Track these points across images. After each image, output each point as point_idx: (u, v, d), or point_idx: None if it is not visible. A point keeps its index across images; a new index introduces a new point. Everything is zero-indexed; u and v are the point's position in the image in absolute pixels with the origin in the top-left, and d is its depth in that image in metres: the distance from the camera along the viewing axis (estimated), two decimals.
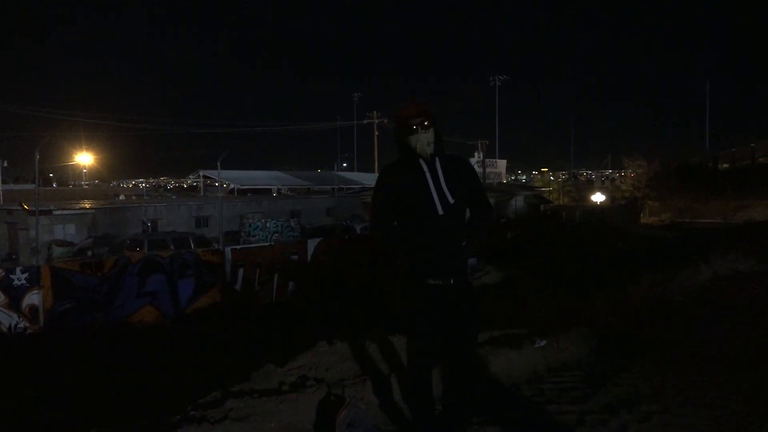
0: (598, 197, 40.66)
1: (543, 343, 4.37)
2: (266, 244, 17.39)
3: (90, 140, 54.01)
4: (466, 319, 2.96)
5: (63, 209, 24.22)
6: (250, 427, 3.12)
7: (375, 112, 52.64)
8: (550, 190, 51.00)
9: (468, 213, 3.07)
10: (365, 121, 51.43)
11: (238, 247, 16.32)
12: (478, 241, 3.06)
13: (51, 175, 65.57)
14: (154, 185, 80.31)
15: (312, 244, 16.47)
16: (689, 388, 3.69)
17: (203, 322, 10.79)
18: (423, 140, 2.96)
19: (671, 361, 4.23)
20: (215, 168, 35.40)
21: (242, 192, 43.87)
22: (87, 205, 26.55)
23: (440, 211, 2.91)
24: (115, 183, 77.00)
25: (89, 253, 20.34)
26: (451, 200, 2.93)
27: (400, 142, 3.02)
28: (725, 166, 42.93)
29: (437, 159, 2.98)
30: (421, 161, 2.97)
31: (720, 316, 5.62)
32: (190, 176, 62.07)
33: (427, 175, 2.95)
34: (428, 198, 2.92)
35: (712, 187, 34.38)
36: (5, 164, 47.17)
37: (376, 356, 3.81)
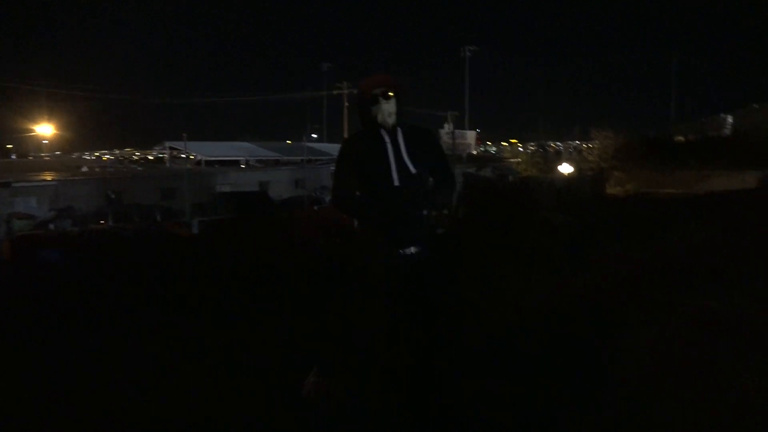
0: (565, 168, 41.14)
1: None
2: (234, 216, 17.22)
3: (51, 111, 52.36)
4: (431, 289, 2.96)
5: (23, 181, 23.58)
6: None
7: (345, 82, 52.03)
8: (518, 162, 51.41)
9: (432, 183, 3.05)
10: (335, 92, 50.84)
11: (205, 218, 16.13)
12: (442, 213, 3.05)
13: (10, 146, 63.63)
14: (119, 157, 78.57)
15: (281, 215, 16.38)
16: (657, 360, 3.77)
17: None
18: (385, 110, 2.94)
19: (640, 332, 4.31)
20: (182, 139, 34.88)
21: (210, 163, 43.26)
22: (48, 177, 25.88)
23: (399, 182, 2.89)
24: (77, 155, 75.03)
25: (51, 226, 19.89)
26: (412, 170, 2.91)
27: (363, 112, 3.00)
28: (682, 138, 43.86)
29: (399, 129, 2.96)
30: (383, 132, 2.94)
31: (688, 287, 5.74)
32: (156, 148, 60.85)
33: (388, 145, 2.94)
34: (388, 168, 2.90)
35: (675, 159, 35.09)
36: None
37: (344, 325, 3.81)
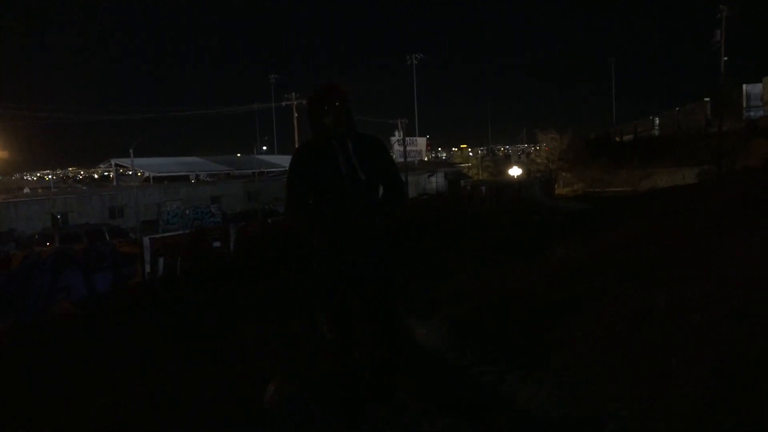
0: (515, 171, 42.05)
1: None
2: (186, 231, 16.92)
3: None
4: (383, 294, 3.04)
5: None
6: None
7: (293, 93, 51.83)
8: (469, 166, 52.21)
9: (381, 192, 3.13)
10: (284, 103, 50.52)
11: (157, 236, 15.81)
12: (390, 219, 3.13)
13: None
14: (62, 176, 76.06)
15: (234, 229, 16.19)
16: (595, 343, 3.95)
17: (122, 315, 10.43)
18: (335, 120, 2.99)
19: (581, 320, 4.49)
20: (128, 156, 34.02)
21: (158, 180, 42.35)
22: None
23: (350, 191, 2.95)
24: (17, 176, 72.34)
25: None
26: (362, 178, 2.98)
27: (312, 122, 3.05)
28: (622, 138, 45.51)
29: (348, 138, 3.03)
30: (333, 141, 3.00)
31: (630, 276, 5.99)
32: (101, 165, 59.21)
33: (339, 153, 2.99)
34: (338, 177, 2.96)
35: (619, 158, 36.26)
36: None
37: (306, 333, 3.86)
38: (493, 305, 5.17)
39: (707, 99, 33.95)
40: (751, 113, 32.45)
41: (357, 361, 3.08)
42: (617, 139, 45.72)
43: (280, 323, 4.62)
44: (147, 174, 45.00)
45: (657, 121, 42.86)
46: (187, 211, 22.97)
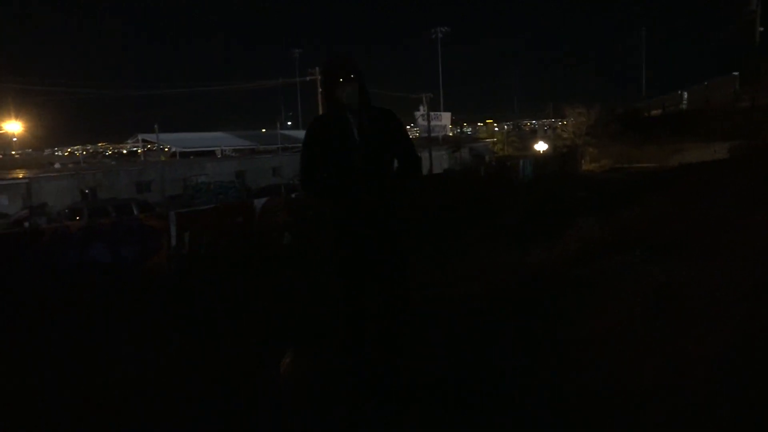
0: (540, 146, 41.51)
1: None
2: (211, 206, 17.13)
3: (19, 107, 51.11)
4: (393, 268, 3.04)
5: None
6: None
7: (317, 68, 51.63)
8: (494, 141, 51.65)
9: (396, 165, 3.13)
10: (308, 78, 50.39)
11: (182, 210, 16.01)
12: (405, 193, 3.13)
13: None
14: (92, 152, 77.24)
15: (259, 204, 16.32)
16: (610, 319, 3.93)
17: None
18: (350, 92, 2.99)
19: (598, 295, 4.47)
20: (154, 131, 34.42)
21: (185, 155, 42.80)
22: (20, 175, 25.45)
23: (363, 163, 2.96)
24: (49, 151, 73.65)
25: (26, 224, 19.62)
26: (377, 152, 2.98)
27: (327, 95, 3.05)
28: (652, 113, 44.62)
29: (362, 111, 3.03)
30: (348, 113, 3.01)
31: (649, 253, 5.92)
32: (129, 141, 59.96)
33: (353, 127, 3.00)
34: (352, 150, 2.96)
35: (648, 133, 35.52)
36: None
37: (325, 309, 3.89)
38: (510, 283, 5.16)
39: (736, 73, 33.24)
40: None
41: (366, 346, 3.07)
42: (645, 114, 44.82)
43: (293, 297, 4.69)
44: (174, 149, 45.47)
45: (685, 96, 41.95)
46: (212, 186, 23.21)
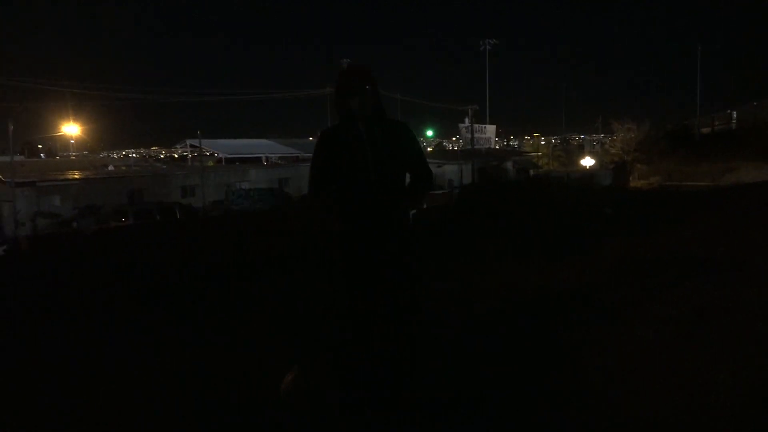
0: (587, 161, 40.75)
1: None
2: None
3: (78, 110, 53.09)
4: (401, 286, 2.94)
5: (47, 180, 24.02)
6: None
7: None
8: (539, 155, 50.92)
9: (408, 179, 3.04)
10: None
11: (220, 214, 16.27)
12: (415, 208, 3.04)
13: (39, 146, 64.78)
14: (144, 155, 79.66)
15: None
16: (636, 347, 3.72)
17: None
18: (362, 103, 2.92)
19: (624, 321, 4.26)
20: (203, 137, 35.27)
21: (230, 161, 43.63)
22: (73, 176, 26.35)
23: (375, 176, 2.87)
24: (105, 154, 76.32)
25: (74, 224, 20.27)
26: (388, 164, 2.89)
27: (340, 105, 2.98)
28: (706, 130, 43.81)
29: (375, 122, 2.94)
30: (360, 125, 2.93)
31: (688, 275, 5.66)
32: (178, 145, 61.59)
33: (365, 138, 2.91)
34: (364, 162, 2.88)
35: (699, 151, 34.53)
36: None
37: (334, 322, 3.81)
38: (531, 303, 4.98)
39: None
40: None
41: (371, 364, 2.99)
42: (696, 131, 43.69)
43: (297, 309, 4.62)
44: (220, 155, 46.41)
45: (735, 115, 41.26)
46: (251, 192, 23.55)
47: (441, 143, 79.09)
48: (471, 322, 4.40)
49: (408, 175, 3.07)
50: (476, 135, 41.95)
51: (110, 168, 40.12)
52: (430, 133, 67.78)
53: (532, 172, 37.31)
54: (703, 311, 4.37)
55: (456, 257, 6.88)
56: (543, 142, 66.91)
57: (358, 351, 2.93)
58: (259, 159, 46.93)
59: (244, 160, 44.05)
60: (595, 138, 65.23)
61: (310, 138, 59.90)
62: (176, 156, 68.68)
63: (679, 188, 28.74)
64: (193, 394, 3.36)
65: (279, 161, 46.79)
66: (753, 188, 16.82)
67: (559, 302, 4.84)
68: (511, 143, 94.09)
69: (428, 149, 60.15)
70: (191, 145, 49.67)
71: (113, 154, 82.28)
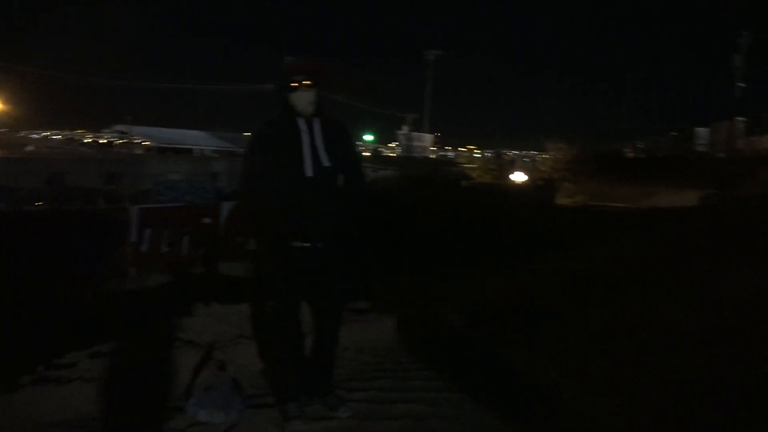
0: (518, 176, 41.79)
1: None
2: (177, 205, 16.77)
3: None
4: (331, 284, 2.92)
5: None
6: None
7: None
8: (473, 167, 51.86)
9: (342, 179, 3.01)
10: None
11: (146, 206, 15.63)
12: (352, 208, 3.01)
13: None
14: (69, 138, 75.88)
15: (226, 207, 16.03)
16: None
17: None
18: (305, 99, 2.87)
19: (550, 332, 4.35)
20: (132, 123, 34.05)
21: (162, 150, 42.27)
22: None
23: (311, 173, 2.83)
24: (25, 133, 72.12)
25: None
26: (325, 163, 2.86)
27: (282, 98, 2.92)
28: (630, 154, 46.54)
29: (317, 120, 2.90)
30: (300, 120, 2.87)
31: (611, 293, 5.86)
32: (106, 130, 59.00)
33: (304, 134, 2.87)
34: (301, 158, 2.83)
35: (623, 174, 36.15)
36: None
37: (252, 319, 3.71)
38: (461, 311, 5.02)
39: (702, 128, 37.69)
40: None
41: (301, 353, 2.97)
42: (622, 155, 46.01)
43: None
44: (151, 144, 44.89)
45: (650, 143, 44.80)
46: (181, 185, 22.80)
47: (378, 149, 79.48)
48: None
49: (342, 177, 3.03)
50: (414, 143, 42.36)
51: (29, 148, 38.05)
52: (369, 137, 68.02)
53: (464, 183, 37.96)
54: (622, 329, 4.52)
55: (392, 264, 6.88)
56: (477, 155, 68.27)
57: (289, 340, 2.90)
58: (191, 150, 45.66)
59: (176, 151, 42.75)
60: (526, 154, 67.13)
61: (246, 134, 58.80)
62: (103, 141, 65.89)
63: (602, 208, 29.99)
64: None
65: (213, 154, 45.65)
66: (672, 212, 17.75)
67: (487, 311, 4.91)
68: (446, 154, 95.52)
69: (366, 154, 60.24)
70: (120, 131, 47.76)
71: (35, 134, 77.98)
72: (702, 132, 46.48)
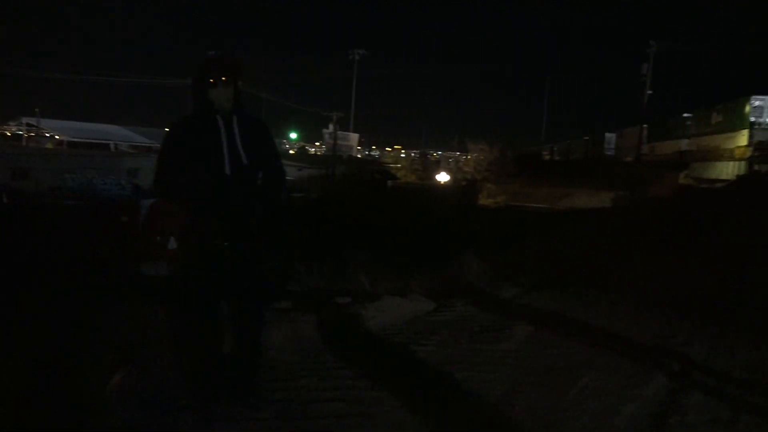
0: (442, 177, 42.57)
1: None
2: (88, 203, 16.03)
3: None
4: (251, 284, 2.86)
5: None
6: None
7: None
8: (398, 167, 52.41)
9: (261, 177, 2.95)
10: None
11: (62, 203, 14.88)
12: (271, 207, 2.95)
13: None
14: None
15: (146, 204, 15.47)
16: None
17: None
18: (222, 96, 2.79)
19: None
20: (44, 117, 32.16)
21: (74, 145, 40.21)
22: None
23: (230, 171, 2.76)
24: None
25: None
26: (244, 161, 2.79)
27: (198, 95, 2.83)
28: (548, 156, 49.00)
29: (235, 117, 2.82)
30: (218, 117, 2.79)
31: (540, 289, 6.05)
32: (12, 123, 55.54)
33: (222, 132, 2.79)
34: (219, 156, 2.75)
35: (542, 176, 37.55)
36: None
37: (172, 321, 3.57)
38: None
39: (611, 134, 41.16)
40: None
41: (221, 354, 2.89)
42: (543, 157, 47.89)
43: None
44: (63, 138, 42.65)
45: (555, 149, 47.95)
46: (95, 181, 21.80)
47: (304, 147, 78.89)
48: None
49: (261, 174, 2.96)
50: (339, 142, 42.33)
51: None
52: (293, 135, 67.39)
53: (390, 182, 38.27)
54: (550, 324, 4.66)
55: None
56: (403, 155, 69.05)
57: (204, 343, 2.82)
58: (107, 146, 43.69)
59: (91, 146, 40.76)
60: (450, 155, 68.45)
61: (167, 129, 56.78)
62: (9, 134, 61.95)
63: (522, 209, 31.03)
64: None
65: (130, 150, 43.86)
66: (588, 213, 18.59)
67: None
68: (372, 153, 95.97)
69: (290, 152, 59.62)
70: (28, 124, 45.03)
71: None
72: (611, 137, 50.05)
